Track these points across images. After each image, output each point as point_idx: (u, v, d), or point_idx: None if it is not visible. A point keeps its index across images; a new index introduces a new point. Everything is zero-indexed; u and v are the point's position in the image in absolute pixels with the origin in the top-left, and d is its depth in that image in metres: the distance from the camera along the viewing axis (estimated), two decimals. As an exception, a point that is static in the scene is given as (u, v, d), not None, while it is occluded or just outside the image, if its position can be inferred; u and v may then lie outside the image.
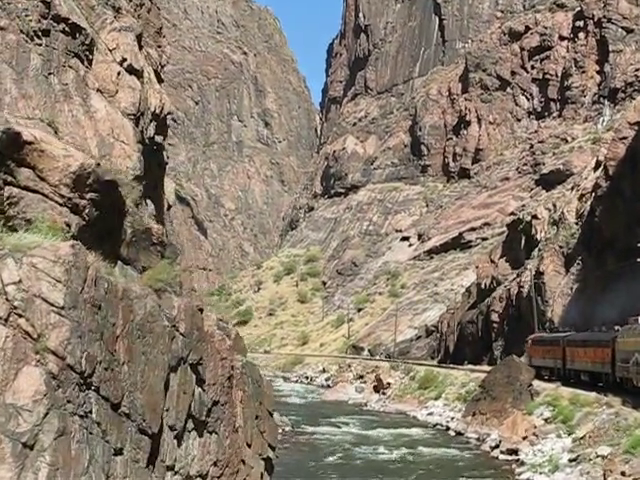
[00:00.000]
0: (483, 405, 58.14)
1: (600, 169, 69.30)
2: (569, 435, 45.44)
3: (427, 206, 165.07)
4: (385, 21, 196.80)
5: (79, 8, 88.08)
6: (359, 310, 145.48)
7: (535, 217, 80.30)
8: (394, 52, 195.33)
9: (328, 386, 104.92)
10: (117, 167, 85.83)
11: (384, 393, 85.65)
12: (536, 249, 77.72)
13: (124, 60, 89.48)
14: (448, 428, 61.65)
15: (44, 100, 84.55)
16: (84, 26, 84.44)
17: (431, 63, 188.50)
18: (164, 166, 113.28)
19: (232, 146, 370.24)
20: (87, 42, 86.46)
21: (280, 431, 57.87)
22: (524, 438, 48.75)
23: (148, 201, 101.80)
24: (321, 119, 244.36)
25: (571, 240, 71.68)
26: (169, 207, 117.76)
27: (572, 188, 78.60)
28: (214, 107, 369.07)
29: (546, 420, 49.74)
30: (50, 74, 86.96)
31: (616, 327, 50.49)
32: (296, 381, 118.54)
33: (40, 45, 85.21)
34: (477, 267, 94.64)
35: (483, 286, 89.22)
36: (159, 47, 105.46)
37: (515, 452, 46.94)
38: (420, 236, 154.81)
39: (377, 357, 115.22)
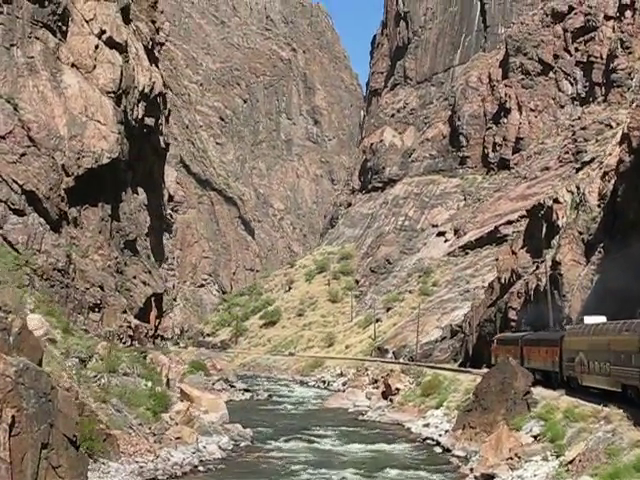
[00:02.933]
0: (474, 417, 48.95)
1: (622, 140, 59.55)
2: (557, 457, 36.35)
3: (465, 199, 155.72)
4: (425, 7, 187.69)
5: (51, -25, 78.87)
6: (388, 310, 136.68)
7: (556, 201, 70.64)
8: (434, 39, 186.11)
9: (342, 391, 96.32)
10: (90, 149, 76.97)
11: (391, 400, 76.89)
12: (557, 237, 68.11)
13: (103, 32, 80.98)
14: (438, 443, 52.44)
15: (3, 74, 75.78)
16: (55, -7, 74.62)
17: (472, 50, 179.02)
18: (162, 152, 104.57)
19: (281, 144, 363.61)
20: (59, 12, 78.09)
21: (231, 447, 49.77)
22: (509, 459, 39.66)
23: (139, 189, 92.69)
24: (363, 113, 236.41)
25: (592, 225, 62.11)
26: (170, 197, 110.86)
27: (597, 167, 69.01)
28: (262, 105, 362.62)
29: (535, 437, 40.43)
30: (12, 46, 77.94)
31: (567, 326, 52.96)
32: (313, 385, 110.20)
33: (1, 13, 76.21)
34: (497, 260, 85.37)
35: (503, 280, 79.78)
36: (153, 22, 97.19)
37: (491, 478, 37.84)
38: (456, 231, 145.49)
39: (400, 360, 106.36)
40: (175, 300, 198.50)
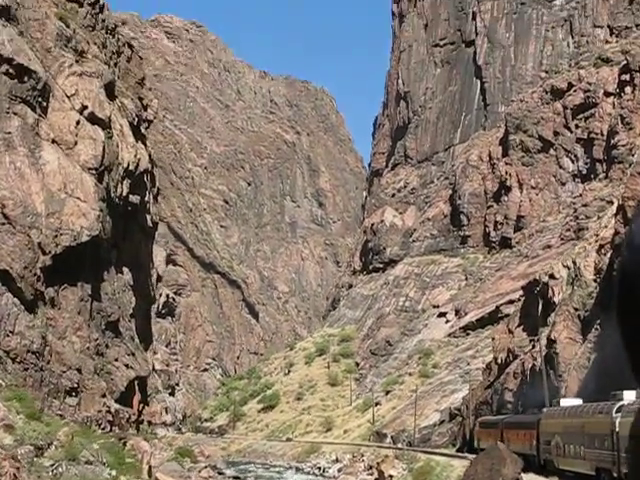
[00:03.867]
0: (461, 506, 45.50)
1: (617, 211, 56.88)
2: None
3: (466, 279, 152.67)
4: (425, 87, 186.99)
5: (33, 50, 77.65)
6: (387, 393, 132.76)
7: (552, 277, 67.70)
8: (434, 119, 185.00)
9: (337, 478, 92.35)
10: (68, 226, 74.33)
11: (384, 488, 73.00)
12: (553, 314, 64.99)
13: (85, 108, 78.90)
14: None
15: (-24, 150, 73.13)
16: (35, 69, 73.28)
17: (472, 128, 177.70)
18: (150, 231, 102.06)
19: (285, 227, 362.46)
20: (39, 87, 76.24)
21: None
22: None
23: (125, 269, 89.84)
24: (365, 193, 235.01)
25: (588, 301, 59.05)
26: (159, 278, 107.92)
27: (593, 240, 66.22)
28: (267, 188, 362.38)
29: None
30: (-12, 121, 75.52)
31: (544, 409, 52.55)
32: (308, 472, 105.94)
33: (-24, 88, 73.85)
34: (493, 339, 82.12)
35: (500, 361, 76.44)
36: (140, 99, 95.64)
37: None
38: (457, 312, 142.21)
39: (398, 445, 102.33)
40: (178, 385, 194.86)
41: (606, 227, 61.61)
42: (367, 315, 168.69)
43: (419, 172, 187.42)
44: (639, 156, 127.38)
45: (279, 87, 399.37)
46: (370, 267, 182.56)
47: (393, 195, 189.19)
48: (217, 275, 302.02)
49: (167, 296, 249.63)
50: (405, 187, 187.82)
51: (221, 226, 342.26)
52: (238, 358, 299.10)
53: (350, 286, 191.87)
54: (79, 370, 71.27)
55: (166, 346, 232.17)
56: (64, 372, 70.25)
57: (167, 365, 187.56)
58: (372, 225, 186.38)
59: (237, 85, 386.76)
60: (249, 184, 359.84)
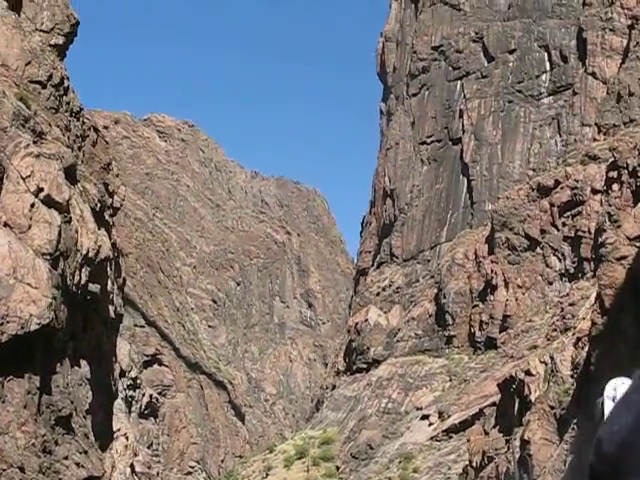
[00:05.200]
0: None
1: (594, 301, 52.86)
2: None
3: (450, 380, 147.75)
4: (411, 184, 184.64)
5: (-16, 128, 73.74)
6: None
7: (529, 373, 63.33)
8: (420, 217, 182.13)
9: None
10: (16, 313, 69.71)
11: None
12: (528, 413, 60.43)
13: (40, 190, 75.26)
14: None
15: None
16: (-15, 147, 68.97)
17: (459, 226, 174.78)
18: (113, 323, 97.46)
19: (274, 328, 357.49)
20: (-10, 167, 72.43)
21: None
22: None
23: (83, 362, 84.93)
24: (351, 293, 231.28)
25: (565, 398, 54.63)
26: (122, 373, 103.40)
27: (570, 332, 62.12)
28: (256, 288, 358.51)
29: None
30: None
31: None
32: None
33: None
34: (468, 441, 77.24)
35: (475, 464, 71.47)
36: (106, 185, 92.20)
37: None
38: (440, 414, 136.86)
39: None
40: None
41: (584, 319, 57.76)
42: (349, 417, 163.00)
43: (404, 271, 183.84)
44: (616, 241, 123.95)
45: (270, 187, 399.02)
46: (354, 367, 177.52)
47: (378, 294, 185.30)
48: (203, 376, 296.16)
49: (151, 396, 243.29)
50: (390, 286, 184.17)
51: (209, 326, 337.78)
52: (222, 462, 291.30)
53: (334, 387, 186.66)
54: (21, 468, 66.19)
55: (148, 447, 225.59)
56: (4, 470, 65.32)
57: (149, 467, 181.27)
58: (356, 324, 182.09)
59: (228, 185, 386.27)
60: (238, 284, 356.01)
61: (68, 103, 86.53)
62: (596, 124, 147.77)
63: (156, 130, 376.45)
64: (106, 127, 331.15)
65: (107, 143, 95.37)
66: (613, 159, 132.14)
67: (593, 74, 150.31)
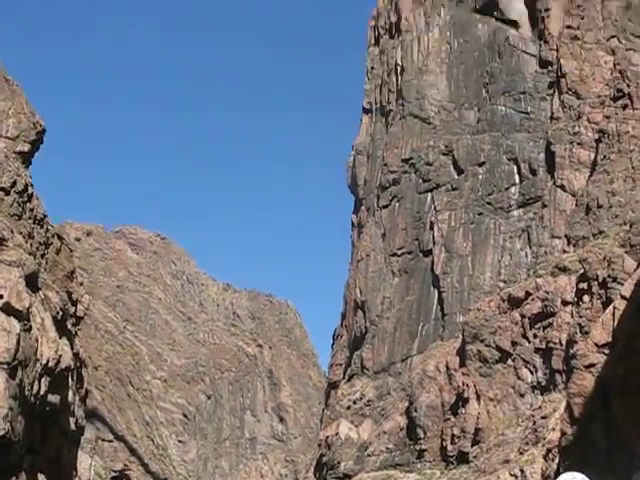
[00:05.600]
0: None
1: (564, 410, 51.47)
2: None
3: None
4: (382, 296, 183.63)
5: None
6: None
7: (498, 487, 61.39)
8: (391, 329, 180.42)
9: None
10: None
11: None
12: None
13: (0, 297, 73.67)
14: None
15: None
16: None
17: (430, 339, 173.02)
18: (74, 436, 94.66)
19: (245, 442, 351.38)
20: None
21: None
22: None
23: (40, 476, 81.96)
24: (323, 406, 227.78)
25: (535, 512, 52.73)
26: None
27: (540, 443, 60.42)
28: (227, 402, 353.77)
29: None
30: None
31: None
32: None
33: None
34: None
35: None
36: (69, 293, 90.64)
37: None
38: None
39: None
40: None
41: (553, 429, 56.29)
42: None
43: (375, 383, 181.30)
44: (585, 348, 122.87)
45: (242, 300, 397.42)
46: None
47: (349, 407, 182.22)
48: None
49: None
50: (361, 399, 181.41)
51: (179, 441, 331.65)
52: None
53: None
54: None
55: None
56: None
57: None
58: (327, 438, 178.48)
59: (200, 297, 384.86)
60: (209, 397, 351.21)
61: (32, 210, 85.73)
62: (566, 236, 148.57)
63: (128, 242, 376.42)
64: (78, 239, 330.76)
65: (71, 251, 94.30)
66: (583, 271, 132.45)
67: (562, 187, 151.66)
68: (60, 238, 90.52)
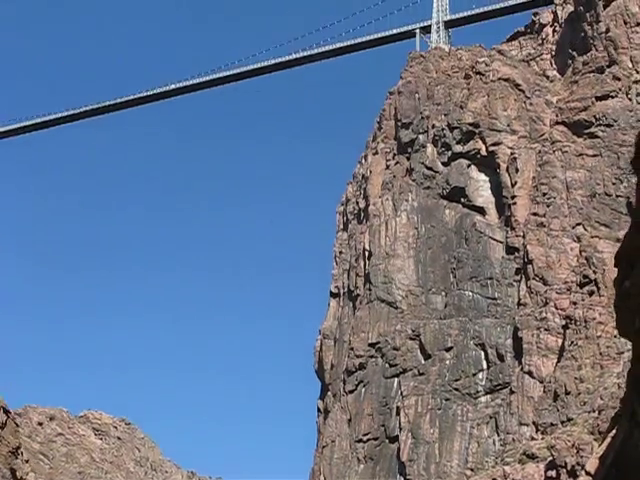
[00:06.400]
0: None
1: None
2: None
3: None
4: None
5: None
6: None
7: None
8: None
9: None
10: None
11: None
12: None
13: None
14: None
15: None
16: None
17: None
18: None
19: None
20: None
21: None
22: None
23: None
24: None
25: None
26: None
27: None
28: None
29: None
30: None
31: None
32: None
33: None
34: None
35: None
36: (13, 470, 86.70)
37: None
38: None
39: None
40: None
41: None
42: None
43: None
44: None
45: None
46: None
47: None
48: None
49: None
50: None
51: None
52: None
53: None
54: None
55: None
56: None
57: None
58: None
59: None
60: None
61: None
62: (534, 423, 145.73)
63: (92, 427, 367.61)
64: (40, 423, 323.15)
65: (17, 425, 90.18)
66: (551, 458, 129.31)
67: (530, 373, 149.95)
68: (6, 412, 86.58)
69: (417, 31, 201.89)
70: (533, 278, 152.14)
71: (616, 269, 24.82)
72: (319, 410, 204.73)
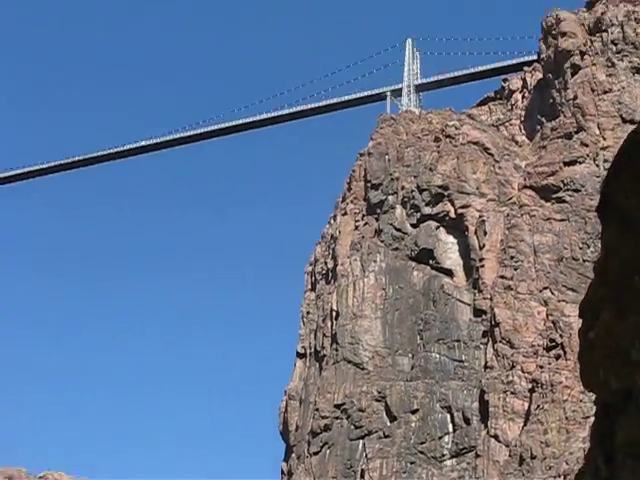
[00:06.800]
0: None
1: None
2: None
3: None
4: None
5: None
6: None
7: None
8: None
9: None
10: None
11: None
12: None
13: None
14: None
15: None
16: None
17: None
18: None
19: None
20: None
21: None
22: None
23: None
24: None
25: None
26: None
27: None
28: None
29: None
30: None
31: None
32: None
33: None
34: None
35: None
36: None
37: None
38: None
39: None
40: None
41: None
42: None
43: None
44: None
45: None
46: None
47: None
48: None
49: None
50: None
51: None
52: None
53: None
54: None
55: None
56: None
57: None
58: None
59: None
60: None
61: None
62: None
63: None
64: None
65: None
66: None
67: (496, 436, 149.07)
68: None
69: (388, 94, 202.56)
70: (500, 341, 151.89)
71: (580, 320, 24.38)
72: (283, 472, 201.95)
